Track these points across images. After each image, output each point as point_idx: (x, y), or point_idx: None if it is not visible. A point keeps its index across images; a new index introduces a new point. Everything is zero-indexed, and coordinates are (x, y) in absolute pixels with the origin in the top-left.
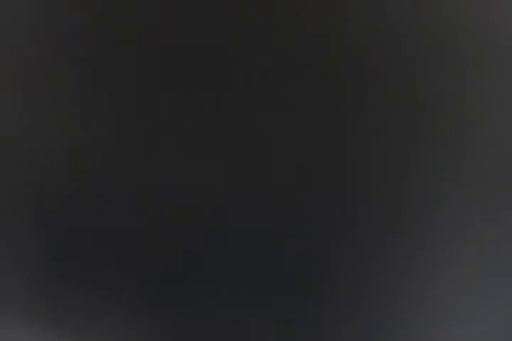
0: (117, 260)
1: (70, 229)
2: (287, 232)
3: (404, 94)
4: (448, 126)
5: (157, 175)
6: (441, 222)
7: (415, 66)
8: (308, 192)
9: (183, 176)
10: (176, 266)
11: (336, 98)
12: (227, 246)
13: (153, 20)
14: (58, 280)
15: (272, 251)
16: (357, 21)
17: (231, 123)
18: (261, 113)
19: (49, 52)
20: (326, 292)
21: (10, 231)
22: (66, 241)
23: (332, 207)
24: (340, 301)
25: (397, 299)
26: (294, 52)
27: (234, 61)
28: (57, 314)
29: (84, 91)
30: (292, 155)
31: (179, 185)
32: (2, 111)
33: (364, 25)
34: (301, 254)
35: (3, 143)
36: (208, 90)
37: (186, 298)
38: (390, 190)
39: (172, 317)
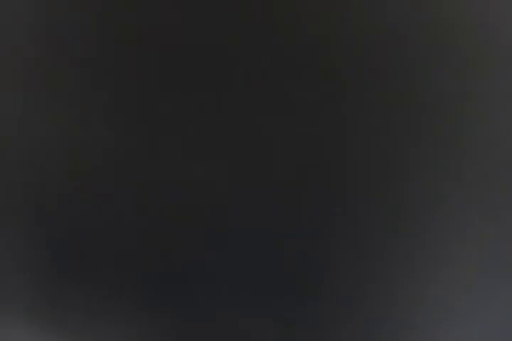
0: (117, 260)
1: (70, 229)
2: (287, 232)
3: (404, 94)
4: (448, 126)
5: (157, 175)
6: (441, 222)
7: (415, 66)
8: (308, 192)
9: (183, 176)
10: (176, 266)
11: (336, 98)
12: (227, 246)
13: (153, 20)
14: (58, 280)
15: (272, 251)
16: (357, 21)
17: (231, 123)
18: (261, 113)
19: (49, 52)
20: (326, 292)
21: (10, 231)
22: (66, 241)
23: (332, 207)
24: (340, 301)
25: (397, 299)
26: (294, 52)
27: (234, 61)
28: (57, 314)
29: (84, 91)
30: (292, 155)
31: (179, 185)
32: (2, 111)
33: (364, 25)
34: (301, 254)
35: (3, 143)
36: (208, 90)
37: (186, 298)
38: (390, 190)
39: (172, 317)
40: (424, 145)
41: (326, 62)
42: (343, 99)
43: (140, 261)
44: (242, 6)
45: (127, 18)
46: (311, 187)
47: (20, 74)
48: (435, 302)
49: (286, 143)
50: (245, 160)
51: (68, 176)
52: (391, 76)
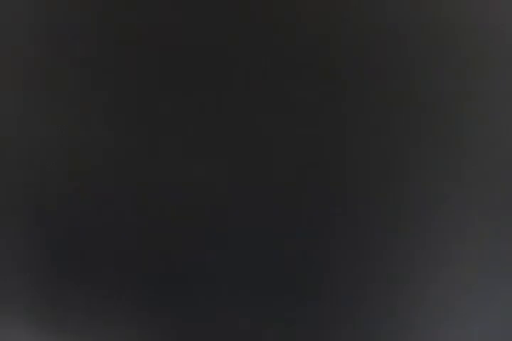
0: (117, 260)
1: (70, 229)
2: (287, 232)
3: (404, 94)
4: (448, 126)
5: (157, 175)
6: (441, 222)
7: (415, 66)
8: (308, 192)
9: (183, 176)
10: (176, 266)
11: (336, 98)
12: (227, 246)
13: (153, 20)
14: (58, 280)
15: (272, 251)
16: (357, 21)
17: (231, 123)
18: (261, 113)
19: (49, 52)
20: (326, 292)
21: (10, 231)
22: (66, 241)
23: (332, 207)
24: (340, 301)
25: (397, 299)
26: (294, 52)
27: (234, 61)
28: (57, 314)
29: (84, 91)
30: (292, 155)
31: (179, 185)
32: (2, 111)
33: (364, 25)
34: (301, 254)
35: (3, 143)
36: (208, 90)
37: (186, 298)
38: (390, 190)
39: (172, 317)
40: (424, 145)
41: (326, 62)
42: (343, 99)
43: (140, 261)
44: (242, 6)
45: (127, 18)
46: (311, 187)
47: (20, 74)
48: (435, 302)
49: (286, 143)
50: (245, 160)
51: (68, 176)
52: (391, 76)
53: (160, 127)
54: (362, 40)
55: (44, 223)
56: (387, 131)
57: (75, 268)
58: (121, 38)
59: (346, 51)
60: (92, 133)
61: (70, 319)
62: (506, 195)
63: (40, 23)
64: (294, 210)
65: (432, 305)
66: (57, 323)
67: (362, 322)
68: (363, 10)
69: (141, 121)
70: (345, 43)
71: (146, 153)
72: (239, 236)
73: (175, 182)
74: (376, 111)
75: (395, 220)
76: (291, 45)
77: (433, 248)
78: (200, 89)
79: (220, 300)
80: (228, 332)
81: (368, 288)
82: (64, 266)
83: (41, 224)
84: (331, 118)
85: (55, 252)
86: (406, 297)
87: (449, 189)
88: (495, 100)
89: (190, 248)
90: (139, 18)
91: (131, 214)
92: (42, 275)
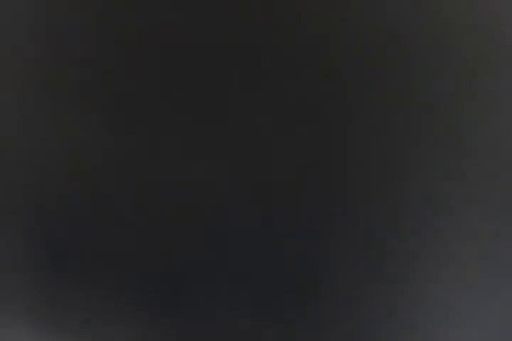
0: (117, 260)
1: (70, 229)
2: (287, 232)
3: (404, 94)
4: (448, 126)
5: (157, 175)
6: (441, 222)
7: (415, 66)
8: (308, 192)
9: (183, 176)
10: (176, 266)
11: (336, 98)
12: (227, 246)
13: (153, 20)
14: (58, 280)
15: (272, 251)
16: (357, 21)
17: (231, 123)
18: (261, 113)
19: (49, 52)
20: (326, 292)
21: (10, 231)
22: (66, 241)
23: (332, 207)
24: (340, 301)
25: (397, 299)
26: (294, 52)
27: (234, 61)
28: (57, 314)
29: (84, 91)
30: (292, 155)
31: (179, 185)
32: (2, 111)
33: (364, 25)
34: (301, 254)
35: (3, 143)
36: (208, 90)
37: (186, 298)
38: (390, 190)
39: (172, 317)
40: (424, 145)
41: (326, 62)
42: (343, 99)
43: (140, 261)
44: (242, 6)
45: (127, 18)
46: (311, 187)
47: (20, 74)
48: (435, 302)
49: (286, 143)
50: (245, 160)
51: (68, 176)
52: (391, 76)
53: (160, 127)
54: (362, 40)
55: (44, 223)
56: (387, 131)
57: (75, 268)
58: (121, 38)
59: (346, 51)
60: (92, 133)
61: (69, 319)
62: (506, 195)
63: (40, 23)
64: (294, 210)
65: (432, 305)
66: (57, 323)
67: (362, 322)
68: (363, 10)
69: (141, 121)
70: (345, 43)
71: (146, 153)
72: (239, 236)
73: (175, 182)
74: (376, 111)
75: (395, 220)
76: (291, 45)
77: (433, 248)
78: (200, 89)
79: (220, 300)
80: (228, 332)
81: (367, 288)
82: (64, 266)
83: (41, 224)
84: (331, 118)
85: (55, 252)
86: (406, 297)
87: (449, 189)
88: (495, 100)
89: (190, 248)
90: (139, 18)
91: (131, 214)
92: (42, 275)
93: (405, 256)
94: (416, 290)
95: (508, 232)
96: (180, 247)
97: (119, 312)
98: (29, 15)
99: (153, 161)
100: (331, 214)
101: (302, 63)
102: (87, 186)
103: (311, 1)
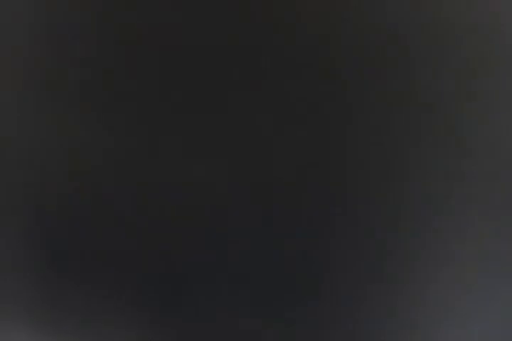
0: (117, 260)
1: (70, 229)
2: (287, 232)
3: (404, 94)
4: (448, 126)
5: (157, 175)
6: (441, 221)
7: (415, 66)
8: (308, 192)
9: (183, 176)
10: (176, 266)
11: (336, 98)
12: (227, 246)
13: (153, 20)
14: (58, 280)
15: (272, 251)
16: (357, 21)
17: (231, 123)
18: (261, 113)
19: (49, 52)
20: (326, 292)
21: (10, 231)
22: (66, 241)
23: (332, 207)
24: (340, 301)
25: (397, 299)
26: (294, 52)
27: (234, 61)
28: (57, 314)
29: (84, 91)
30: (292, 155)
31: (179, 185)
32: (2, 111)
33: (364, 25)
34: (301, 254)
35: (3, 143)
36: (208, 90)
37: (186, 298)
38: (390, 190)
39: (172, 317)
40: (424, 145)
41: (326, 62)
42: (343, 99)
43: (140, 261)
44: (242, 6)
45: (127, 18)
46: (311, 187)
47: (20, 74)
48: (435, 302)
49: (286, 143)
50: (245, 160)
51: (68, 176)
52: (391, 76)
53: (160, 127)
54: (362, 40)
55: (44, 223)
56: (387, 131)
57: (75, 268)
58: (121, 38)
59: (346, 51)
60: (92, 133)
61: (69, 319)
62: (506, 195)
63: (40, 23)
64: (294, 210)
65: (432, 305)
66: (57, 323)
67: (362, 322)
68: (363, 10)
69: (141, 121)
70: (345, 43)
71: (146, 153)
72: (239, 236)
73: (175, 182)
74: (376, 111)
75: (395, 220)
76: (291, 45)
77: (433, 248)
78: (200, 89)
79: (220, 300)
80: (228, 332)
81: (367, 288)
82: (64, 266)
83: (41, 224)
84: (331, 118)
85: (55, 252)
86: (406, 297)
87: (449, 189)
88: (495, 100)
89: (190, 248)
90: (139, 18)
91: (131, 214)
92: (42, 275)
93: (405, 256)
94: (416, 290)
95: (508, 232)
96: (180, 247)
97: (119, 312)
98: (29, 15)
99: (153, 161)
100: (331, 214)
101: (302, 63)
102: (87, 186)
103: (311, 1)
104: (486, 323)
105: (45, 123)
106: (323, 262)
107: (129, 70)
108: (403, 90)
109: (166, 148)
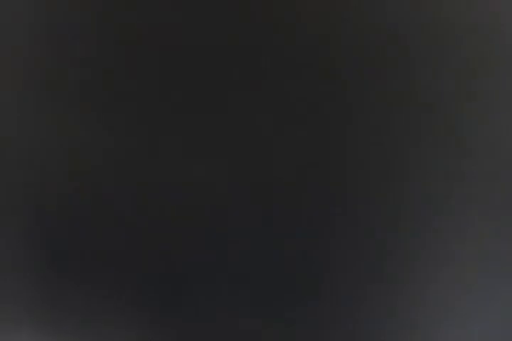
0: (117, 260)
1: (70, 229)
2: (287, 232)
3: (404, 94)
4: (448, 126)
5: (157, 175)
6: (441, 221)
7: (415, 66)
8: (308, 192)
9: (183, 176)
10: (176, 266)
11: (336, 98)
12: (227, 246)
13: (153, 20)
14: (58, 281)
15: (272, 251)
16: (357, 21)
17: (231, 123)
18: (261, 113)
19: (49, 52)
20: (326, 292)
21: (10, 231)
22: (66, 241)
23: (332, 207)
24: (340, 301)
25: (397, 299)
26: (294, 52)
27: (234, 61)
28: (57, 314)
29: (84, 91)
30: (292, 155)
31: (179, 185)
32: (2, 111)
33: (364, 25)
34: (301, 254)
35: (3, 143)
36: (208, 90)
37: (186, 298)
38: (390, 190)
39: (172, 317)
40: (424, 145)
41: (326, 62)
42: (343, 99)
43: (140, 261)
44: (242, 6)
45: (127, 18)
46: (311, 187)
47: (20, 74)
48: (435, 302)
49: (286, 143)
50: (245, 160)
51: (68, 176)
52: (391, 76)
53: (160, 127)
54: (362, 40)
55: (44, 223)
56: (387, 131)
57: (75, 268)
58: (121, 38)
59: (346, 51)
60: (92, 133)
61: (69, 319)
62: (506, 195)
63: (40, 23)
64: (294, 210)
65: (432, 305)
66: (57, 323)
67: (362, 322)
68: (363, 10)
69: (141, 121)
70: (345, 43)
71: (146, 153)
72: (239, 236)
73: (175, 182)
74: (376, 111)
75: (395, 220)
76: (291, 45)
77: (433, 248)
78: (200, 89)
79: (220, 300)
80: (228, 332)
81: (367, 288)
82: (64, 266)
83: (41, 224)
84: (331, 118)
85: (55, 252)
86: (406, 297)
87: (449, 189)
88: (495, 100)
89: (190, 248)
90: (139, 18)
91: (131, 214)
92: (42, 275)
93: (405, 256)
94: (416, 290)
95: (508, 232)
96: (180, 247)
97: (119, 312)
98: (29, 15)
99: (153, 161)
100: (331, 214)
101: (302, 63)
102: (87, 186)
103: (311, 1)
104: (486, 323)
105: (45, 123)
106: (323, 262)
107: (129, 70)
108: (403, 90)
109: (166, 148)
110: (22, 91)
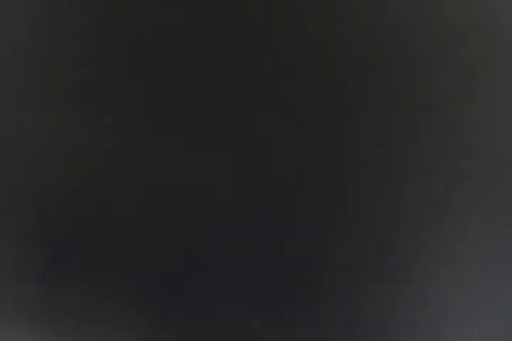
0: (117, 260)
1: (70, 229)
2: (287, 232)
3: (404, 94)
4: (448, 126)
5: (157, 175)
6: (441, 222)
7: (415, 66)
8: (308, 192)
9: (183, 176)
10: (176, 266)
11: (336, 98)
12: (227, 246)
13: (153, 20)
14: (58, 280)
15: (272, 251)
16: (357, 21)
17: (231, 123)
18: (261, 113)
19: (49, 52)
20: (326, 292)
21: (10, 231)
22: (66, 241)
23: (332, 207)
24: (340, 301)
25: (397, 299)
26: (294, 52)
27: (234, 61)
28: (57, 314)
29: (84, 91)
30: (292, 155)
31: (179, 185)
32: (2, 111)
33: (364, 25)
34: (301, 254)
35: (3, 143)
36: (208, 90)
37: (186, 298)
38: (390, 190)
39: (172, 317)
40: (424, 145)
41: (326, 62)
42: (343, 99)
43: (140, 261)
44: (242, 6)
45: (127, 18)
46: (311, 187)
47: (20, 74)
48: (435, 302)
49: (286, 143)
50: (245, 160)
51: (68, 176)
52: (391, 76)
53: (160, 127)
54: (362, 40)
55: (44, 223)
56: (387, 131)
57: (75, 268)
58: (121, 38)
59: (346, 51)
60: (92, 133)
61: (69, 319)
62: (506, 195)
63: (40, 23)
64: (294, 210)
65: (432, 305)
66: (57, 323)
67: (362, 322)
68: (363, 10)
69: (141, 121)
70: (345, 43)
71: (146, 153)
72: (239, 236)
73: (175, 182)
74: (376, 111)
75: (395, 220)
76: (291, 45)
77: (433, 248)
78: (200, 89)
79: (220, 300)
80: (228, 332)
81: (367, 288)
82: (64, 266)
83: (41, 224)
84: (331, 118)
85: (55, 252)
86: (406, 297)
87: (449, 189)
88: (495, 100)
89: (190, 248)
90: (139, 18)
91: (131, 214)
92: (42, 275)
93: (405, 256)
94: (416, 290)
95: (508, 232)
96: (180, 247)
97: (119, 312)
98: (29, 15)
99: (153, 161)
100: (331, 214)
101: (302, 63)
102: (87, 186)
103: (311, 1)
104: (486, 323)
105: (45, 123)
106: (323, 262)
107: (129, 70)
108: (403, 90)
109: (166, 148)
110: (22, 91)
